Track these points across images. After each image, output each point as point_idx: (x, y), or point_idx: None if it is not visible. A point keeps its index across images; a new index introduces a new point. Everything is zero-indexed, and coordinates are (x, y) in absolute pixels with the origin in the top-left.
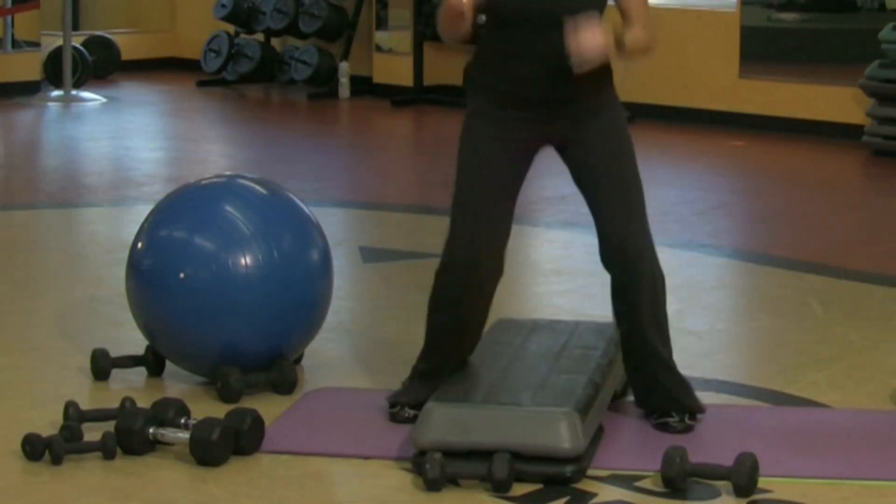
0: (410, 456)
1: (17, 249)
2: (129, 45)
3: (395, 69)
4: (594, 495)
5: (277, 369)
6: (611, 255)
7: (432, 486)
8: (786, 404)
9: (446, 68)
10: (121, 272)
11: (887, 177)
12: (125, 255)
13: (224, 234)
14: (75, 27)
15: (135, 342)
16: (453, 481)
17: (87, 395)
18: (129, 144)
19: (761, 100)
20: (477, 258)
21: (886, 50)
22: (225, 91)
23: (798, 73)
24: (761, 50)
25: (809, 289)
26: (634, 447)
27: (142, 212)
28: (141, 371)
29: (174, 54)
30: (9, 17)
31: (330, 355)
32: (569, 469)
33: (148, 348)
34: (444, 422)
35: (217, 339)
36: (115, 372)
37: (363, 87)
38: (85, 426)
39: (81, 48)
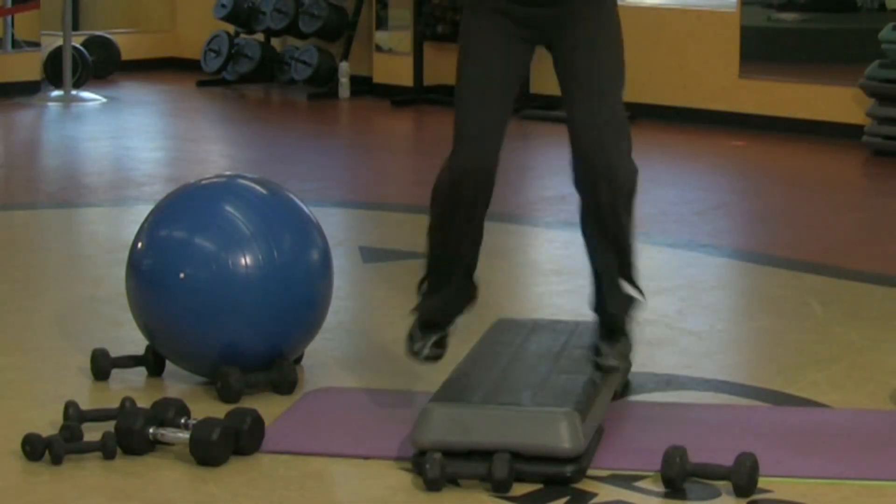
0: (410, 456)
1: (17, 249)
2: (129, 45)
3: (395, 69)
4: (594, 495)
5: (277, 369)
6: (575, 154)
7: (432, 486)
8: (786, 404)
9: (446, 68)
10: (121, 272)
11: (887, 177)
12: (125, 255)
13: (224, 234)
14: (75, 27)
15: (135, 342)
16: (453, 481)
17: (87, 395)
18: (129, 144)
19: (761, 100)
20: (483, 158)
21: (886, 50)
22: (225, 91)
23: (798, 73)
24: (761, 50)
25: (809, 289)
26: (634, 447)
27: (142, 212)
28: (141, 371)
29: (174, 54)
30: (9, 17)
31: (330, 355)
32: (569, 469)
33: (148, 348)
34: (444, 422)
35: (217, 339)
36: (115, 372)
37: (363, 87)
38: (85, 426)
39: (81, 48)
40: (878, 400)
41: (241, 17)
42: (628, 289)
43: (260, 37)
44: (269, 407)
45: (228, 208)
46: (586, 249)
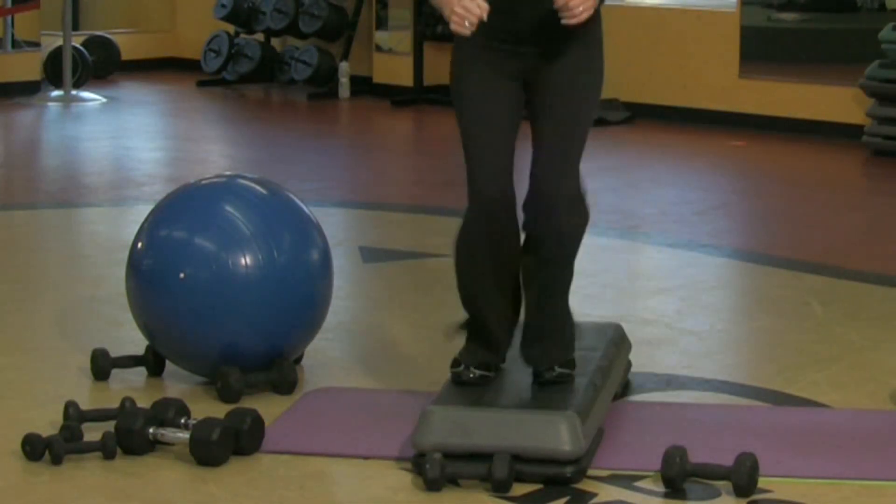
0: (410, 456)
1: (17, 249)
2: (129, 45)
3: (395, 69)
4: (594, 495)
5: (277, 369)
6: (537, 189)
7: (432, 486)
8: (786, 404)
9: (446, 68)
10: (121, 272)
11: (887, 177)
12: (125, 255)
13: (224, 234)
14: (75, 27)
15: (135, 342)
16: (453, 481)
17: (87, 395)
18: (129, 144)
19: (761, 100)
20: (505, 186)
21: (886, 50)
22: (225, 91)
23: (798, 73)
24: (761, 50)
25: (809, 289)
26: (634, 447)
27: (142, 212)
28: (141, 371)
29: (174, 54)
30: (9, 17)
31: (330, 355)
32: (569, 469)
33: (148, 348)
34: (445, 424)
35: (217, 339)
36: (115, 372)
37: (363, 87)
38: (85, 426)
39: (81, 48)
40: (878, 400)
41: (241, 17)
42: (559, 336)
43: (260, 37)
44: (269, 407)
45: (228, 208)
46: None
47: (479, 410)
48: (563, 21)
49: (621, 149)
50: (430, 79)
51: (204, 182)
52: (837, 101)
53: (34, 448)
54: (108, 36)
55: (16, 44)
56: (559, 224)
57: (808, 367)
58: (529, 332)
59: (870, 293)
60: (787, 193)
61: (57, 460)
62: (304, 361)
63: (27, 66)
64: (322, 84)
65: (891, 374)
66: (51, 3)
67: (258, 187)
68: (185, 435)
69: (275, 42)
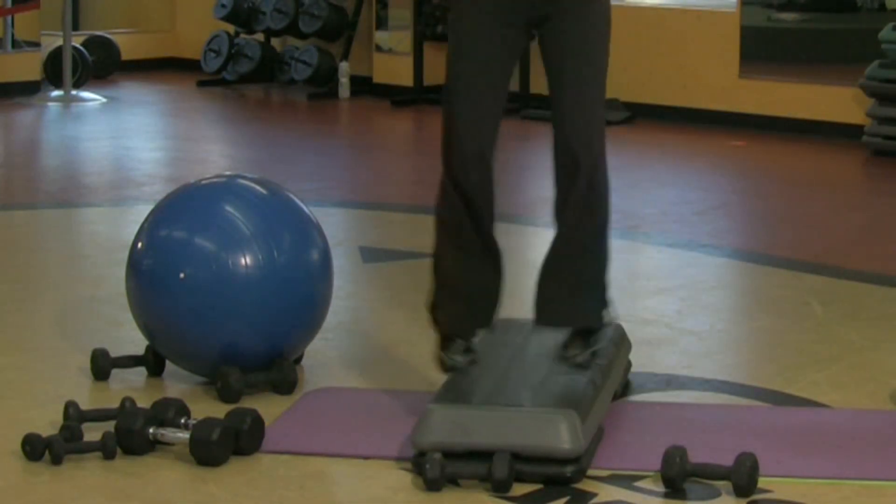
0: (410, 456)
1: (17, 249)
2: (129, 45)
3: (395, 69)
4: (594, 495)
5: (277, 369)
6: (560, 143)
7: (432, 486)
8: (786, 404)
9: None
10: (121, 272)
11: (887, 177)
12: (125, 255)
13: (224, 234)
14: (75, 27)
15: (135, 342)
16: (453, 481)
17: (87, 395)
18: (129, 144)
19: (761, 100)
20: (481, 142)
21: (886, 50)
22: (225, 91)
23: (798, 73)
24: (761, 50)
25: (809, 289)
26: (634, 447)
27: (142, 212)
28: (141, 371)
29: (174, 54)
30: (9, 17)
31: (330, 355)
32: (569, 469)
33: (148, 348)
34: (445, 423)
35: (217, 339)
36: (115, 372)
37: (363, 87)
38: (85, 426)
39: (81, 48)
40: (878, 400)
41: (241, 17)
42: (599, 294)
43: (260, 37)
44: (269, 407)
45: (228, 208)
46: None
47: (479, 409)
48: None
49: (621, 149)
50: (430, 79)
51: (204, 182)
52: (837, 101)
53: (34, 448)
54: (108, 36)
55: (16, 44)
56: (584, 180)
57: (808, 367)
58: (549, 277)
59: (870, 293)
60: (787, 193)
61: (57, 460)
62: (304, 361)
63: (27, 66)
64: (322, 84)
65: (891, 374)
66: (51, 3)
67: (258, 187)
68: (185, 435)
69: (275, 42)
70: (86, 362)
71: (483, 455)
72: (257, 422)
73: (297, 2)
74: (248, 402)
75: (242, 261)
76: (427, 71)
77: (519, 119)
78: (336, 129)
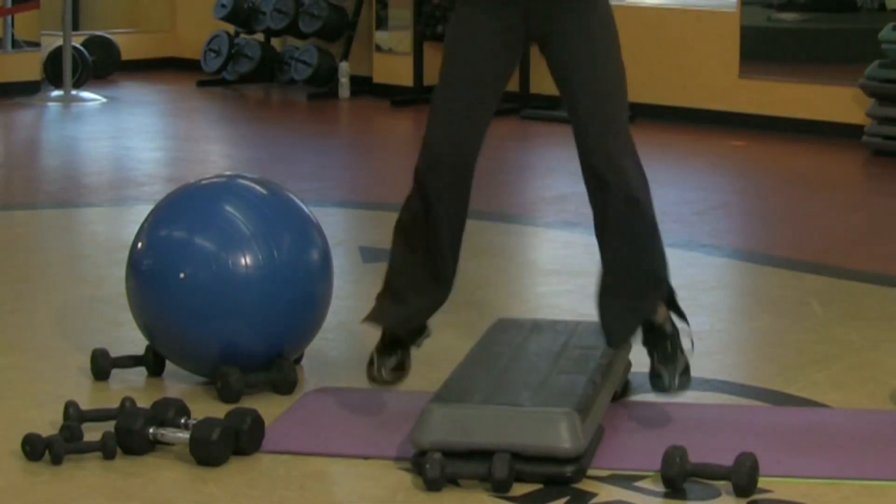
0: (410, 456)
1: (17, 249)
2: (129, 45)
3: (395, 69)
4: (594, 495)
5: (277, 369)
6: (584, 160)
7: (432, 486)
8: (786, 404)
9: None
10: (121, 272)
11: (887, 177)
12: (125, 255)
13: (224, 234)
14: (75, 27)
15: (135, 342)
16: (453, 481)
17: (87, 395)
18: (129, 144)
19: (761, 100)
20: (454, 150)
21: (886, 50)
22: (225, 91)
23: (798, 73)
24: (761, 50)
25: (809, 289)
26: (634, 447)
27: (142, 212)
28: (141, 371)
29: (174, 54)
30: (9, 17)
31: (330, 355)
32: (569, 469)
33: (148, 348)
34: (444, 422)
35: (217, 339)
36: (115, 372)
37: (363, 87)
38: (85, 426)
39: (81, 48)
40: (878, 400)
41: (241, 17)
42: (657, 300)
43: (260, 37)
44: (269, 407)
45: (228, 208)
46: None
47: (479, 408)
48: None
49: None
50: (430, 79)
51: (204, 182)
52: (837, 101)
53: (34, 448)
54: (108, 36)
55: (16, 44)
56: (619, 196)
57: (808, 367)
58: (606, 291)
59: (870, 293)
60: (787, 193)
61: (57, 460)
62: (304, 361)
63: (27, 66)
64: (322, 84)
65: (891, 374)
66: (51, 3)
67: (258, 187)
68: (185, 435)
69: (275, 42)
70: (86, 362)
71: (483, 455)
72: (257, 422)
73: (297, 2)
74: (248, 402)
75: (242, 261)
76: (427, 71)
77: (519, 119)
78: (336, 129)
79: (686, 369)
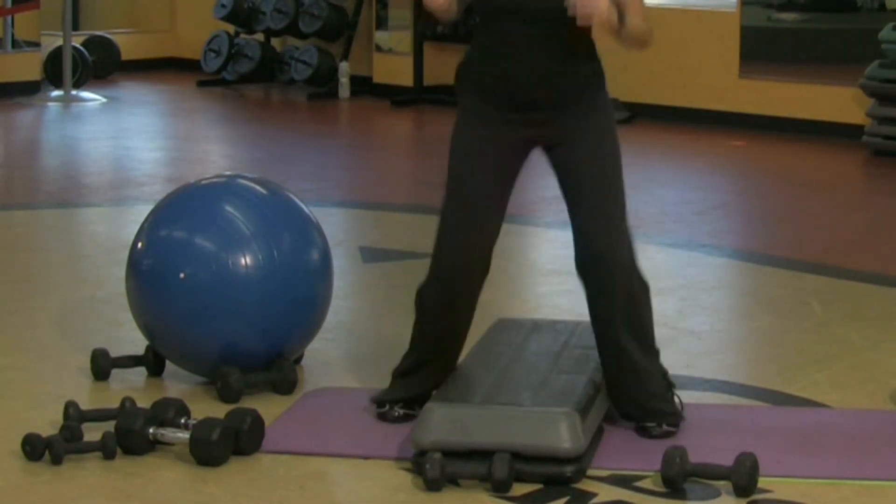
0: (410, 456)
1: (17, 249)
2: (129, 45)
3: (395, 69)
4: (594, 495)
5: (277, 369)
6: (584, 260)
7: (432, 486)
8: (786, 404)
9: (446, 68)
10: (121, 272)
11: (887, 177)
12: (125, 255)
13: (224, 234)
14: (75, 27)
15: (135, 342)
16: (453, 481)
17: (87, 395)
18: (129, 144)
19: (761, 100)
20: (468, 264)
21: (886, 50)
22: (225, 91)
23: (798, 73)
24: (761, 50)
25: (809, 289)
26: (634, 447)
27: (142, 212)
28: (141, 371)
29: (174, 54)
30: (9, 17)
31: (330, 355)
32: (569, 469)
33: (148, 348)
34: (444, 422)
35: (217, 339)
36: (115, 372)
37: (363, 87)
38: (85, 426)
39: (81, 48)
40: (878, 400)
41: (241, 17)
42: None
43: (260, 37)
44: (269, 407)
45: (228, 208)
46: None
47: (479, 408)
48: (578, 22)
49: (621, 149)
50: (430, 79)
51: (204, 182)
52: (837, 101)
53: (34, 448)
54: (108, 36)
55: (16, 44)
56: (612, 278)
57: (808, 367)
58: (611, 386)
59: (870, 293)
60: (787, 193)
61: (57, 460)
62: (304, 361)
63: (27, 66)
64: (322, 84)
65: (891, 374)
66: (51, 3)
67: (258, 187)
68: (185, 435)
69: (275, 42)
70: (86, 362)
71: (483, 455)
72: (257, 422)
73: (297, 2)
74: (248, 402)
75: (242, 261)
76: (427, 71)
77: None
78: (336, 129)
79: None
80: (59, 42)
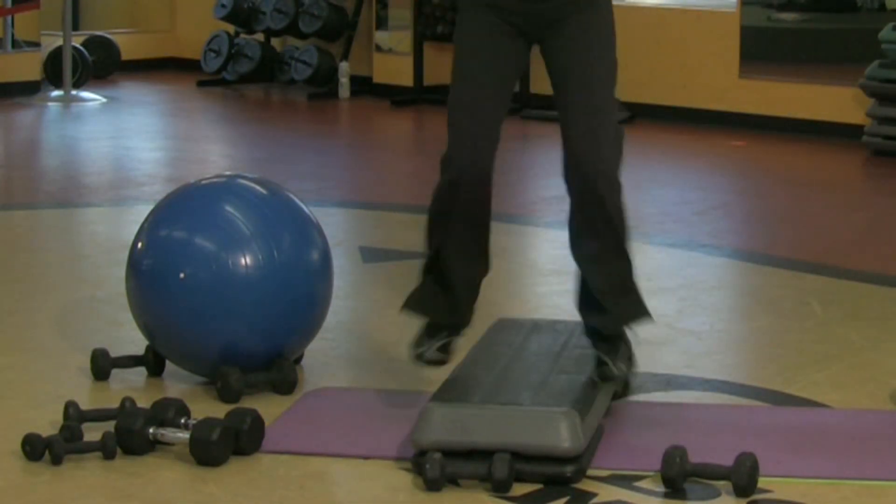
0: (410, 456)
1: (17, 249)
2: (129, 45)
3: (395, 69)
4: (594, 495)
5: (277, 369)
6: (568, 166)
7: (432, 486)
8: (786, 404)
9: (446, 68)
10: (121, 272)
11: (887, 177)
12: (125, 255)
13: (224, 234)
14: (75, 27)
15: (135, 342)
16: (453, 481)
17: (87, 395)
18: (129, 144)
19: (761, 100)
20: (476, 158)
21: (886, 50)
22: (225, 91)
23: (798, 73)
24: (761, 50)
25: (809, 289)
26: (634, 447)
27: (142, 212)
28: (141, 371)
29: (174, 54)
30: (9, 17)
31: (330, 355)
32: (569, 469)
33: (148, 348)
34: (444, 422)
35: (217, 339)
36: (115, 372)
37: (363, 87)
38: (85, 426)
39: (81, 48)
40: (878, 400)
41: (241, 17)
42: (628, 296)
43: (260, 37)
44: (269, 407)
45: (228, 208)
46: (573, 253)
47: (479, 408)
48: None
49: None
50: (430, 79)
51: (204, 182)
52: (837, 101)
53: (34, 448)
54: (108, 36)
55: (16, 44)
56: (601, 199)
57: (808, 367)
58: (586, 297)
59: (870, 293)
60: (787, 193)
61: (57, 460)
62: (304, 361)
63: (27, 66)
64: (322, 84)
65: (891, 374)
66: (51, 3)
67: (258, 187)
68: (185, 435)
69: (275, 42)
70: (86, 362)
71: (483, 455)
72: (257, 422)
73: (297, 2)
74: (248, 402)
75: (242, 261)
76: (427, 71)
77: (519, 119)
78: (336, 129)
79: (630, 357)
80: (59, 42)
